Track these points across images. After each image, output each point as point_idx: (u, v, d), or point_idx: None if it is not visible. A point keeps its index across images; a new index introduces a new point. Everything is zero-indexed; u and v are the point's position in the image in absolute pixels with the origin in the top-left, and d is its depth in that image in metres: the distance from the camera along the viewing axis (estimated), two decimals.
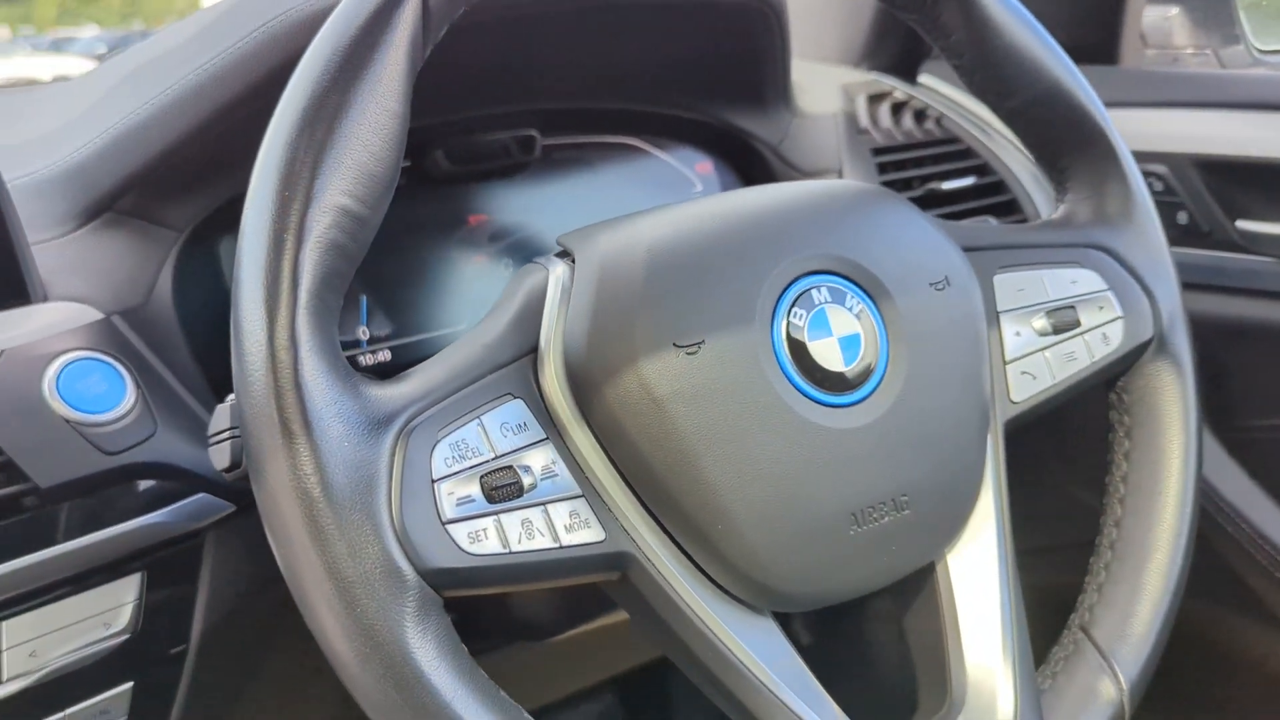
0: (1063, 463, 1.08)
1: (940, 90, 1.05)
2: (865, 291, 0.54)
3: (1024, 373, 0.62)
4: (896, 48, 1.06)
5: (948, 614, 0.57)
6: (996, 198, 0.98)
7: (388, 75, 0.47)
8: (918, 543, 0.55)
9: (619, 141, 0.92)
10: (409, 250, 0.81)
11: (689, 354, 0.49)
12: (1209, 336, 0.91)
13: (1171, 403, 0.64)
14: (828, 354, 0.52)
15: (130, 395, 0.62)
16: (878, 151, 0.96)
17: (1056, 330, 0.63)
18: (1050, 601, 1.26)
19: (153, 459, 0.61)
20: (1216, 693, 1.10)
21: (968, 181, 0.97)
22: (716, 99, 0.91)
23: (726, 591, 0.51)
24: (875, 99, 1.01)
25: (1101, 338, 0.63)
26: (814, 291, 0.53)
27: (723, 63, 0.87)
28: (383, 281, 0.80)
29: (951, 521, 0.56)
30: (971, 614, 0.57)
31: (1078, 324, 0.63)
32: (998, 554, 0.58)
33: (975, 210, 0.98)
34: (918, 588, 0.58)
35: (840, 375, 0.52)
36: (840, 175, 0.94)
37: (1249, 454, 0.91)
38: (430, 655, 0.43)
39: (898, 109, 1.02)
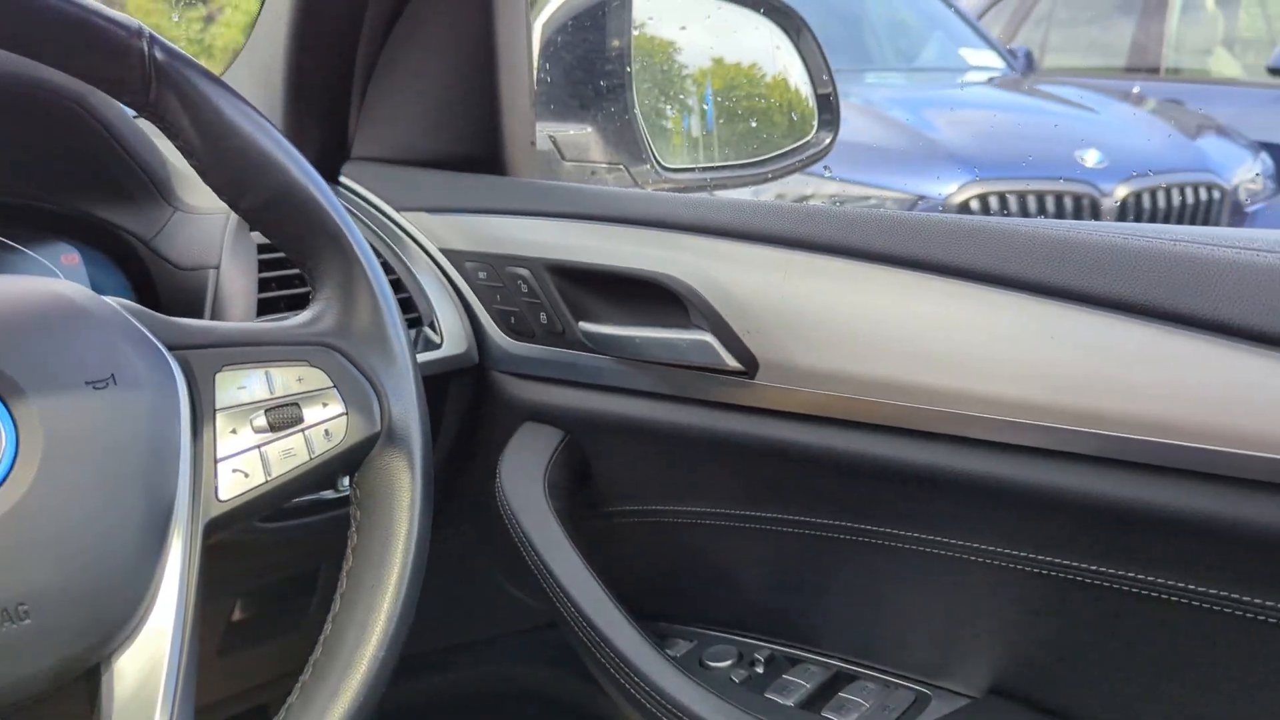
0: (489, 555, 1.11)
1: (357, 191, 1.08)
2: None
3: (236, 470, 0.62)
4: (315, 149, 1.08)
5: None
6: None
7: None
8: (51, 653, 0.53)
9: None
10: None
11: None
12: (572, 428, 0.98)
13: (399, 495, 0.66)
14: None
15: None
16: (264, 249, 0.96)
17: (275, 427, 0.64)
18: (488, 690, 1.28)
19: None
20: None
21: None
22: (71, 191, 0.88)
23: None
24: None
25: (324, 433, 0.65)
26: None
27: (61, 157, 0.84)
28: None
29: (101, 630, 0.54)
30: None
31: (300, 420, 0.64)
32: (169, 660, 0.56)
33: None
34: (90, 694, 0.56)
35: None
36: (219, 270, 0.93)
37: (603, 538, 0.97)
38: None
39: None
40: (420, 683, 1.23)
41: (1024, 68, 4.93)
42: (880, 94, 4.26)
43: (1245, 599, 0.66)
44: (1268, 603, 0.65)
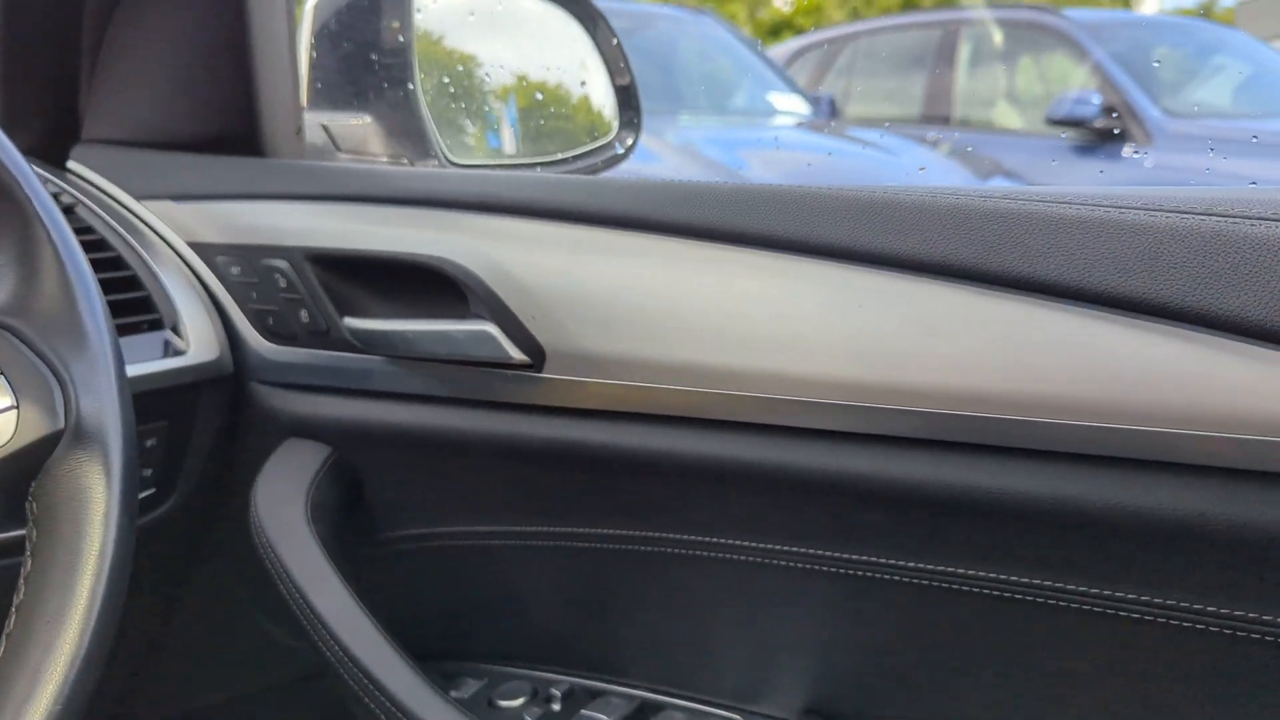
0: (252, 596, 0.97)
1: (88, 178, 0.93)
2: None
3: None
4: (40, 129, 0.93)
5: None
6: (127, 294, 0.87)
7: None
8: None
9: None
10: None
11: None
12: (339, 442, 0.86)
13: (89, 508, 0.53)
14: None
15: None
16: None
17: None
18: None
19: None
20: None
21: None
22: None
23: None
24: None
25: None
26: None
27: None
28: None
29: None
30: None
31: None
32: None
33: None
34: None
35: None
36: None
37: (378, 569, 0.85)
38: None
39: None
40: None
41: (828, 114, 5.13)
42: (696, 134, 4.32)
43: (1072, 588, 0.60)
44: (1104, 591, 0.59)
